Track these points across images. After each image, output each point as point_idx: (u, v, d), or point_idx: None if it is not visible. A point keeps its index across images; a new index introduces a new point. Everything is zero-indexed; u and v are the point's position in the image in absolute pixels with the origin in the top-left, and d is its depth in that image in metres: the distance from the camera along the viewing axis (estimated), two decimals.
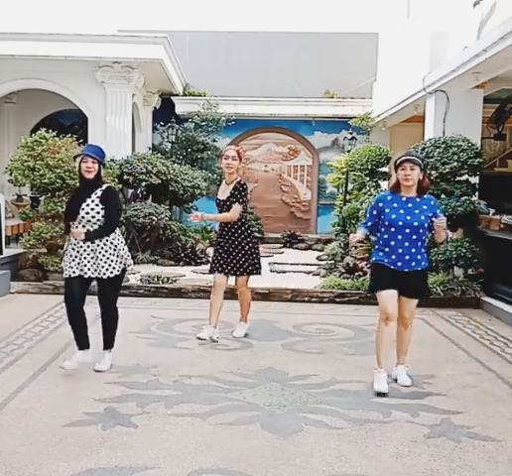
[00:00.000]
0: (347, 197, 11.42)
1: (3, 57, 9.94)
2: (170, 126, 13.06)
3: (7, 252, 7.98)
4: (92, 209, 4.27)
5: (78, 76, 10.45)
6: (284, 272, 9.08)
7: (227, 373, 4.47)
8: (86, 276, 4.36)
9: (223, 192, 5.30)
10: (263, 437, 3.35)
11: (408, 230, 4.14)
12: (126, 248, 4.52)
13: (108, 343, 4.56)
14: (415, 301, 4.32)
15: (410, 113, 10.56)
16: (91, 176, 4.30)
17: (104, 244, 4.35)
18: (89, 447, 3.17)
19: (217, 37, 14.15)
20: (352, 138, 12.69)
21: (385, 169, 11.21)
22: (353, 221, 10.14)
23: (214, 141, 13.48)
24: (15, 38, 9.95)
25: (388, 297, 4.19)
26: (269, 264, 9.80)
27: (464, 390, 4.22)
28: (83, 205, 4.28)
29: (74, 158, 4.47)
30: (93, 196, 4.30)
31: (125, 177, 9.69)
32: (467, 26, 7.60)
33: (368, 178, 10.62)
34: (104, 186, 4.37)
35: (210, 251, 9.35)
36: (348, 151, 12.11)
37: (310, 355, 5.01)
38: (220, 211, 5.30)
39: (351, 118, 13.17)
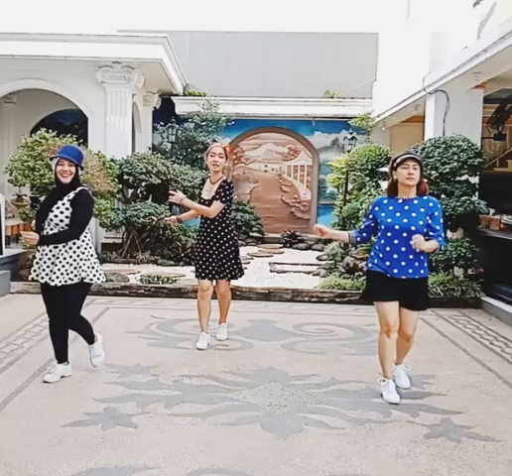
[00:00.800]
0: (347, 197, 11.43)
1: (3, 57, 9.94)
2: (170, 126, 13.07)
3: (7, 252, 7.99)
4: (61, 212, 4.03)
5: (78, 76, 10.45)
6: (284, 272, 9.08)
7: (227, 373, 4.47)
8: (43, 281, 4.12)
9: (208, 192, 5.06)
10: (263, 437, 3.35)
11: (405, 234, 3.90)
12: (91, 261, 4.19)
13: (87, 340, 4.44)
14: (415, 314, 4.09)
15: (410, 113, 10.57)
16: (68, 180, 4.03)
17: (67, 249, 4.08)
18: (89, 447, 3.17)
19: (217, 37, 14.15)
20: (352, 138, 12.70)
21: (385, 169, 11.20)
22: (353, 221, 10.14)
23: (214, 141, 13.47)
24: (15, 38, 9.95)
25: (388, 307, 3.96)
26: (269, 264, 9.81)
27: (464, 390, 4.22)
28: (54, 208, 4.04)
29: (50, 159, 4.19)
30: (65, 199, 4.05)
31: (125, 177, 9.70)
32: (467, 26, 7.61)
33: (368, 179, 10.62)
34: (78, 190, 4.09)
35: None
36: (348, 151, 12.11)
37: (310, 355, 5.01)
38: None
39: (351, 118, 13.18)
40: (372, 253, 4.17)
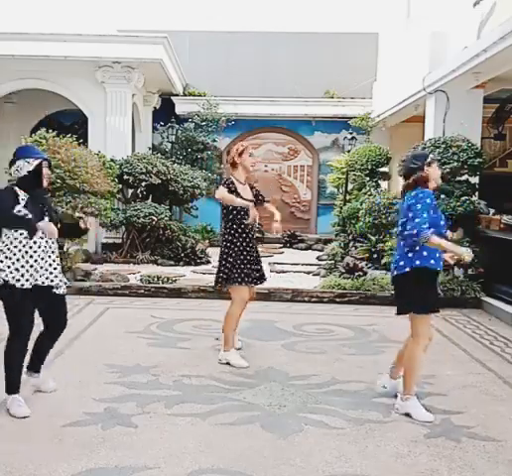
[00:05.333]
0: (347, 197, 11.43)
1: (3, 57, 9.95)
2: (170, 126, 13.07)
3: None
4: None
5: (78, 76, 10.46)
6: (284, 272, 9.08)
7: (227, 373, 4.47)
8: (36, 284, 3.68)
9: (247, 193, 4.84)
10: (263, 437, 3.35)
11: (443, 230, 3.80)
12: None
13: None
14: (412, 316, 3.78)
15: (410, 113, 10.56)
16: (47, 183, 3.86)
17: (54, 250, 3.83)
18: (89, 447, 3.16)
19: (217, 37, 14.15)
20: (352, 138, 12.70)
21: (385, 169, 11.22)
22: (353, 221, 10.14)
23: (214, 141, 13.49)
24: (15, 38, 9.96)
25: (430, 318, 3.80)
26: (269, 264, 9.80)
27: (464, 390, 4.22)
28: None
29: (46, 160, 3.88)
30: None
31: (125, 177, 9.70)
32: (467, 26, 7.61)
33: (368, 179, 10.63)
34: None
35: (210, 251, 9.34)
36: (348, 151, 12.11)
37: (310, 355, 5.01)
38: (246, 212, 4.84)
39: (351, 118, 13.17)
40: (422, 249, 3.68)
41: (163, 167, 10.04)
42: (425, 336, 3.75)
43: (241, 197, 4.73)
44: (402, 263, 3.72)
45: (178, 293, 7.37)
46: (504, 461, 3.12)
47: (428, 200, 3.66)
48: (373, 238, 9.19)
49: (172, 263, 9.48)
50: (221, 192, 4.70)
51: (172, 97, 13.49)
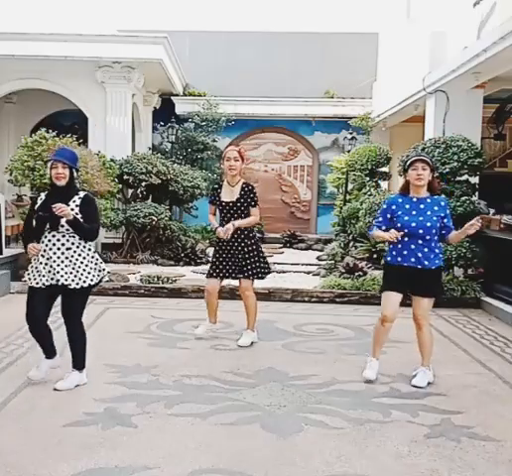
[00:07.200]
0: (347, 197, 11.43)
1: (3, 57, 9.94)
2: (170, 126, 13.07)
3: (7, 252, 7.98)
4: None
5: (78, 76, 10.45)
6: (284, 272, 9.07)
7: (227, 373, 4.47)
8: (59, 284, 3.97)
9: (230, 194, 5.17)
10: (263, 437, 3.35)
11: (421, 231, 4.18)
12: (97, 256, 4.21)
13: (80, 361, 4.17)
14: (426, 300, 4.30)
15: (410, 113, 10.57)
16: (63, 182, 3.96)
17: (81, 251, 4.04)
18: (89, 447, 3.16)
19: (217, 37, 14.15)
20: (352, 138, 12.69)
21: (385, 169, 11.21)
22: (353, 221, 10.15)
23: (214, 141, 13.49)
24: (15, 38, 9.95)
25: (390, 298, 4.30)
26: None
27: (464, 390, 4.22)
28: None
29: (45, 163, 4.26)
30: (72, 204, 3.97)
31: (125, 177, 9.70)
32: (467, 26, 7.61)
33: (368, 179, 10.63)
34: (82, 194, 4.06)
35: (210, 251, 9.30)
36: (348, 151, 12.11)
37: (310, 355, 5.01)
38: (227, 214, 5.18)
39: (351, 118, 13.17)
40: (390, 246, 4.40)
41: (163, 167, 10.04)
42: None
43: (221, 201, 5.21)
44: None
45: (178, 293, 7.37)
46: (504, 461, 3.12)
47: None
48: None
49: (172, 263, 9.48)
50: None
51: (172, 97, 13.49)
